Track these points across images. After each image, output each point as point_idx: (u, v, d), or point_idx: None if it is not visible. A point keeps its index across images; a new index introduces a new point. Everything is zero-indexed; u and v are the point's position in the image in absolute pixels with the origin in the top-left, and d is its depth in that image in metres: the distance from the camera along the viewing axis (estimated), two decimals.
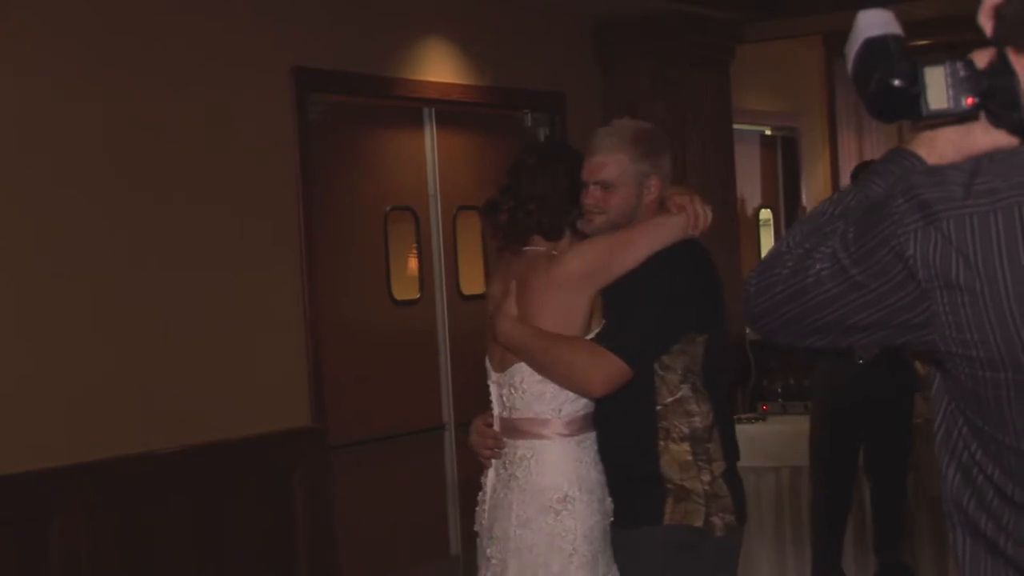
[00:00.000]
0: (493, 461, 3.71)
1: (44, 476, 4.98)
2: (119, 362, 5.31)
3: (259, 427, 5.77)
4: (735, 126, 8.55)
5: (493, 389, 3.74)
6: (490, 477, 3.73)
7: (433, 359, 6.92)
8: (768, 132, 9.87)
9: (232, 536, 5.60)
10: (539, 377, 3.60)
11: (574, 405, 3.61)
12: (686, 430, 3.61)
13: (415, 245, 6.85)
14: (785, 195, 9.97)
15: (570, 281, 3.57)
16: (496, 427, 3.72)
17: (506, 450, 3.67)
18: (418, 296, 6.84)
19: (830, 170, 10.21)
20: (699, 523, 3.59)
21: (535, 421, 3.62)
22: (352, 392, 6.40)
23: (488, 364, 3.78)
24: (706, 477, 3.60)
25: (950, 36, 9.77)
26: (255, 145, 5.88)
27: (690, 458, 3.60)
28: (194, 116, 5.63)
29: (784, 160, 10.04)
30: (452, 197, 7.01)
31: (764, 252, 9.86)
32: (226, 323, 5.70)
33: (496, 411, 3.73)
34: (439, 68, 6.82)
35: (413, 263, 6.88)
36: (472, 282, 7.12)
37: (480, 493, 3.80)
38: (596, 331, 3.60)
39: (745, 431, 6.42)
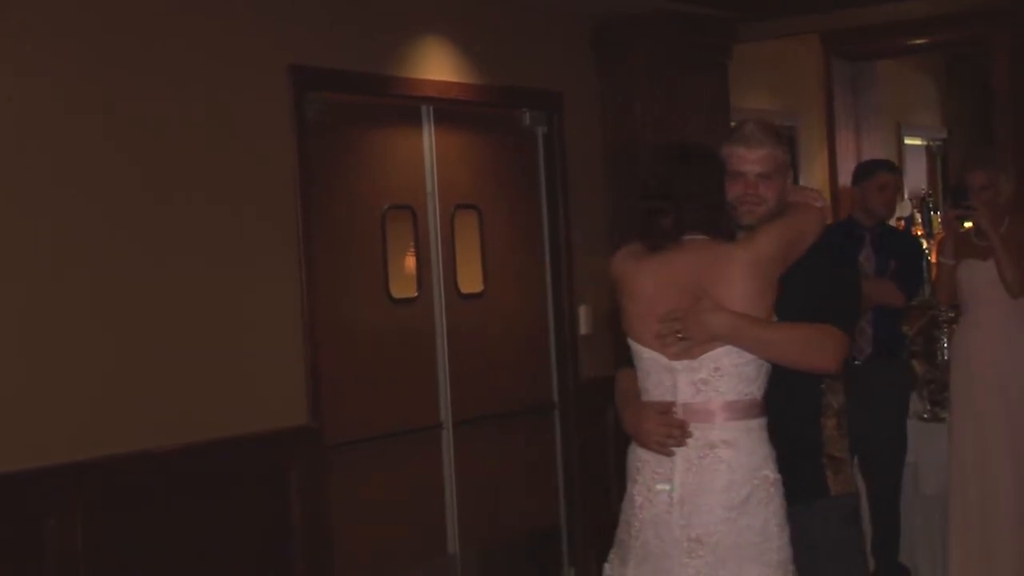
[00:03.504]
0: (678, 450, 3.68)
1: (41, 474, 4.98)
2: (116, 360, 5.31)
3: (256, 426, 5.77)
4: (733, 125, 8.55)
5: (681, 377, 3.70)
6: (678, 465, 3.68)
7: (431, 357, 6.92)
8: None
9: (229, 535, 5.60)
10: (745, 359, 3.65)
11: (764, 385, 3.71)
12: (835, 405, 3.86)
13: (413, 243, 6.85)
14: None
15: (769, 263, 3.67)
16: (680, 413, 3.69)
17: (697, 435, 3.67)
18: (416, 294, 6.85)
19: (828, 169, 10.22)
20: (855, 489, 3.93)
21: (740, 403, 3.66)
22: (349, 391, 6.40)
23: (653, 354, 3.74)
24: (847, 445, 3.88)
25: (947, 35, 9.80)
26: (253, 144, 5.88)
27: (836, 432, 3.85)
28: (192, 115, 5.64)
29: None
30: (450, 195, 7.01)
31: None
32: (224, 321, 5.71)
33: (682, 398, 3.69)
34: (437, 67, 6.82)
35: (411, 261, 6.87)
36: (470, 280, 7.12)
37: (635, 485, 3.77)
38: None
39: None
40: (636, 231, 3.81)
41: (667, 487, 3.70)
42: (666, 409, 3.70)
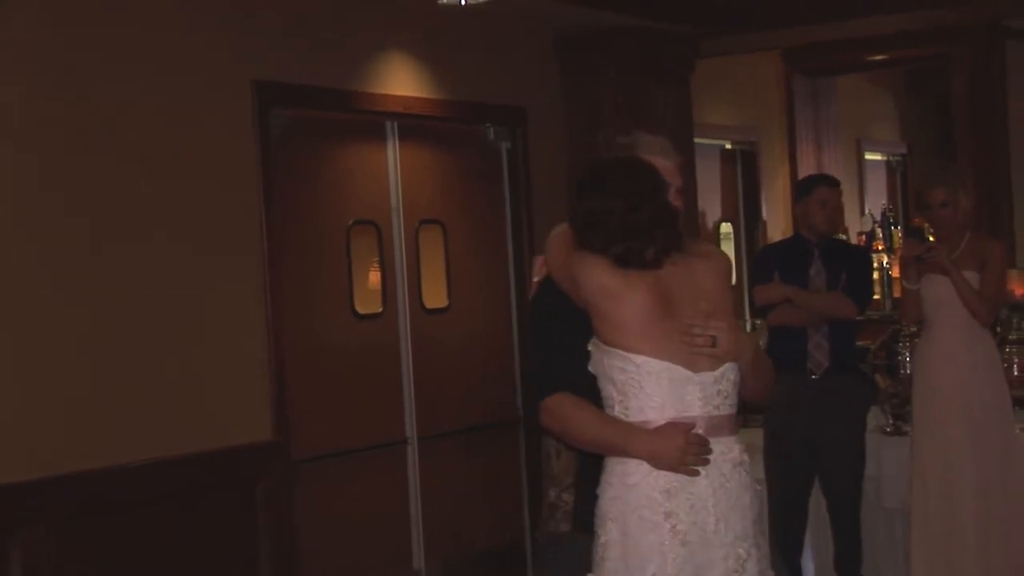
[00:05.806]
0: (709, 468, 3.50)
1: (8, 490, 4.96)
2: (83, 377, 5.30)
3: (222, 441, 5.76)
4: (695, 140, 8.59)
5: (707, 389, 3.52)
6: (714, 482, 3.51)
7: (396, 373, 6.92)
8: (728, 146, 9.91)
9: (195, 550, 5.59)
10: (739, 373, 3.59)
11: None
12: None
13: (377, 259, 6.86)
14: (745, 209, 10.02)
15: None
16: (701, 428, 3.49)
17: (723, 450, 3.53)
18: (381, 310, 6.85)
19: (790, 184, 10.27)
20: None
21: (735, 417, 3.61)
22: (315, 406, 6.39)
23: (671, 366, 3.51)
24: None
25: (907, 51, 9.87)
26: (217, 159, 5.88)
27: None
28: (156, 130, 5.63)
29: (744, 174, 10.08)
30: (415, 211, 7.02)
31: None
32: (189, 337, 5.70)
33: (705, 411, 3.51)
34: (402, 82, 6.83)
35: (375, 277, 6.88)
36: (435, 296, 7.13)
37: (665, 513, 3.48)
38: None
39: None
40: (615, 258, 3.53)
41: (709, 508, 3.51)
42: (691, 427, 3.49)
